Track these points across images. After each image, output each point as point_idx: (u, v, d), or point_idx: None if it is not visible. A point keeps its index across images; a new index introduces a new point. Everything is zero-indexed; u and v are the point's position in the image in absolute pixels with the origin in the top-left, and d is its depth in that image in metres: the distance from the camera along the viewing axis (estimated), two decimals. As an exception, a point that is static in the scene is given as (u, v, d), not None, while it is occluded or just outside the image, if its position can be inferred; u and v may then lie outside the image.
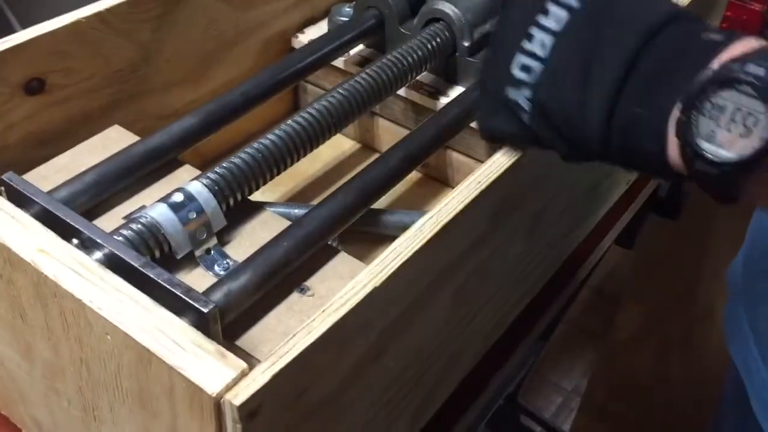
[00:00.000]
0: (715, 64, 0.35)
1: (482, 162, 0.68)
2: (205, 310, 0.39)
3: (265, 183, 0.53)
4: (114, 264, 0.43)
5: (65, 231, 0.44)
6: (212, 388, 0.32)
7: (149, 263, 0.42)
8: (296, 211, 0.65)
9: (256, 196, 0.54)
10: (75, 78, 0.56)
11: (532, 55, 0.41)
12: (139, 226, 0.46)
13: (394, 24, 0.70)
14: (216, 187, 0.49)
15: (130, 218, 0.47)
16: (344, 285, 0.45)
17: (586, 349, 1.37)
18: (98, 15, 0.55)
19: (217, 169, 0.50)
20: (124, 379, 0.36)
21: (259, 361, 0.34)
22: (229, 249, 0.49)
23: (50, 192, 0.49)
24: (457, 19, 0.66)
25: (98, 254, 0.43)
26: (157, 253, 0.46)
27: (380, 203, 0.59)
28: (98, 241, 0.43)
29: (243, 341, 0.43)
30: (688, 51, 0.37)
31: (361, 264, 0.49)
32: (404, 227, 0.65)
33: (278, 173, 0.54)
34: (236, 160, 0.51)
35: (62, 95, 0.55)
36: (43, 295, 0.37)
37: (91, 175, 0.50)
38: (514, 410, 1.20)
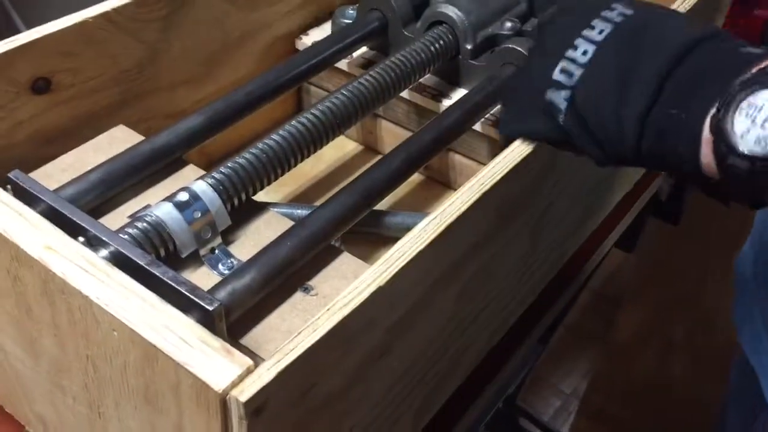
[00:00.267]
0: (755, 69, 0.37)
1: (484, 164, 0.69)
2: (211, 308, 0.39)
3: (269, 183, 0.53)
4: (120, 262, 0.43)
5: (71, 229, 0.45)
6: (219, 384, 0.32)
7: (155, 261, 0.43)
8: (299, 211, 0.66)
9: (260, 197, 0.55)
10: (81, 77, 0.56)
11: (574, 61, 0.43)
12: (145, 224, 0.46)
13: (398, 27, 0.70)
14: (221, 187, 0.49)
15: (135, 217, 0.47)
16: (348, 284, 0.45)
17: (586, 352, 1.37)
18: (105, 15, 0.56)
19: (222, 169, 0.51)
20: (131, 375, 0.36)
21: (263, 360, 0.34)
22: (233, 248, 0.50)
23: (56, 190, 0.49)
24: (460, 22, 0.67)
25: (104, 252, 0.44)
26: (162, 252, 0.46)
27: (383, 205, 0.59)
28: (104, 239, 0.44)
29: (247, 339, 0.43)
30: (727, 61, 0.39)
31: (364, 264, 0.49)
32: (407, 229, 0.65)
33: (282, 174, 0.54)
34: (241, 161, 0.51)
35: (68, 94, 0.56)
36: (50, 291, 0.37)
37: (97, 174, 0.51)
38: (512, 413, 1.20)
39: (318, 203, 0.71)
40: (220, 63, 0.68)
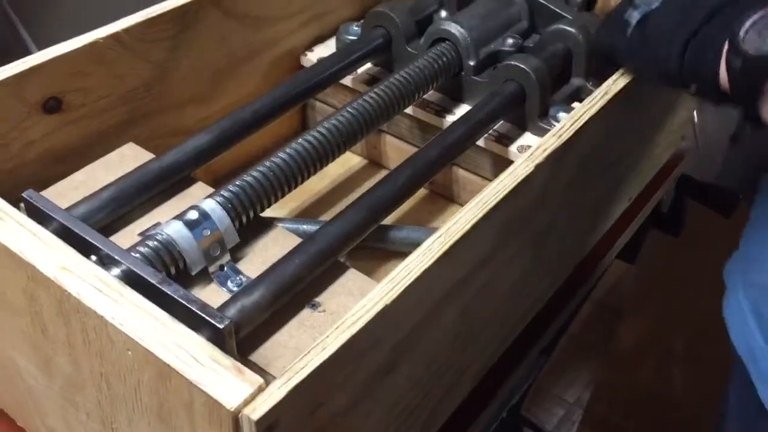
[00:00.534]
0: None
1: (487, 179, 0.70)
2: (221, 326, 0.40)
3: (276, 201, 0.54)
4: (132, 280, 0.44)
5: (84, 247, 0.46)
6: (231, 402, 0.33)
7: (166, 279, 0.43)
8: (305, 227, 0.66)
9: (266, 212, 0.56)
10: (91, 97, 0.57)
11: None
12: (156, 243, 0.47)
13: (401, 43, 0.71)
14: (229, 205, 0.50)
15: (146, 235, 0.48)
16: (354, 301, 0.46)
17: (588, 361, 1.38)
18: (115, 35, 0.57)
19: (230, 187, 0.52)
20: (144, 393, 0.37)
21: (273, 377, 0.35)
22: (241, 265, 0.51)
23: (69, 209, 0.50)
24: (462, 39, 0.68)
25: (116, 270, 0.45)
26: (173, 270, 0.47)
27: (387, 219, 0.60)
28: (116, 257, 0.45)
29: (256, 356, 0.44)
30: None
31: (370, 280, 0.50)
32: (411, 243, 0.67)
33: (289, 191, 0.55)
34: (248, 179, 0.52)
35: (79, 114, 0.57)
36: (65, 311, 0.38)
37: (108, 192, 0.52)
38: (517, 422, 1.21)
39: (323, 218, 0.72)
40: (227, 80, 0.69)
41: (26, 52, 1.12)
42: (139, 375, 0.36)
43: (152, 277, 0.43)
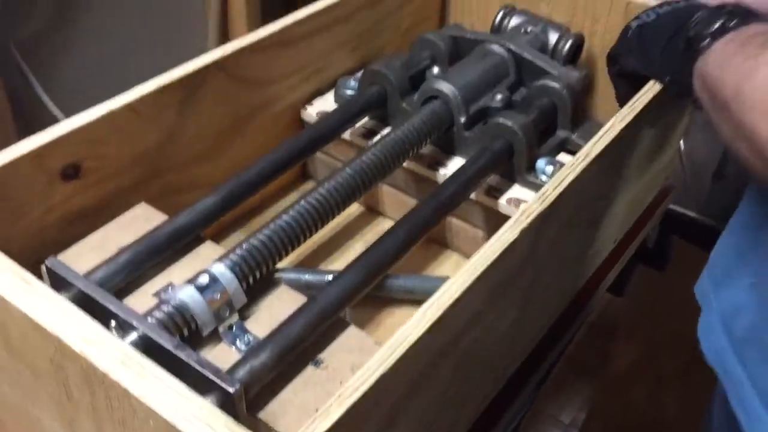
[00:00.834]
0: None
1: (479, 227, 0.74)
2: (232, 390, 0.44)
3: (281, 260, 0.58)
4: (148, 345, 0.48)
5: (103, 313, 0.50)
6: (244, 470, 0.37)
7: (180, 344, 0.47)
8: (307, 276, 0.70)
9: (271, 267, 0.59)
10: (107, 162, 0.61)
11: (653, 10, 0.68)
12: (170, 307, 0.51)
13: (396, 99, 0.75)
14: (237, 268, 0.54)
15: (161, 299, 0.52)
16: (354, 358, 0.50)
17: (583, 383, 1.41)
18: (129, 105, 0.60)
19: (238, 250, 0.55)
20: (164, 458, 0.40)
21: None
22: (249, 323, 0.54)
23: (88, 274, 0.54)
24: (453, 97, 0.72)
25: (134, 335, 0.49)
26: (186, 332, 0.51)
27: (385, 270, 0.64)
28: (134, 323, 0.48)
29: (265, 414, 0.48)
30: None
31: (368, 337, 0.53)
32: (408, 291, 0.71)
33: (293, 250, 0.59)
34: (255, 242, 0.56)
35: (95, 178, 0.61)
36: (90, 381, 0.42)
37: (125, 256, 0.55)
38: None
39: (323, 265, 0.76)
40: (231, 138, 0.73)
41: (37, 100, 1.17)
42: (159, 441, 0.40)
43: (167, 343, 0.47)
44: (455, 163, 0.73)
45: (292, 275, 0.70)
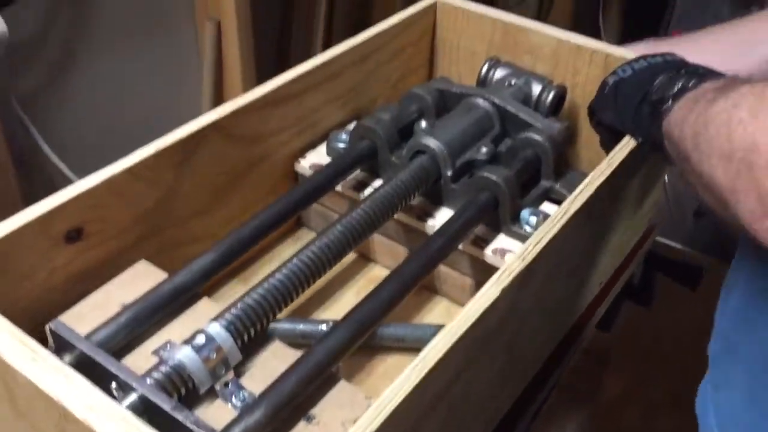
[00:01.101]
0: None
1: (467, 275, 0.76)
2: (228, 450, 0.47)
3: (275, 317, 0.61)
4: (147, 405, 0.51)
5: (104, 374, 0.52)
6: None
7: (178, 406, 0.50)
8: (301, 326, 0.73)
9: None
10: (108, 224, 0.64)
11: (630, 66, 0.71)
12: (168, 368, 0.53)
13: (386, 153, 0.78)
14: (232, 327, 0.57)
15: (159, 360, 0.54)
16: (345, 414, 0.53)
17: (577, 409, 1.43)
18: (129, 170, 0.64)
19: (233, 309, 0.58)
20: None
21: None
22: (245, 380, 0.57)
23: (89, 335, 0.57)
24: (440, 151, 0.75)
25: (134, 396, 0.51)
26: (183, 390, 0.54)
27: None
28: (133, 385, 0.51)
29: (259, 471, 0.50)
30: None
31: (359, 392, 0.56)
32: (397, 338, 0.73)
33: (286, 306, 0.62)
34: (249, 301, 0.59)
35: (97, 240, 0.63)
36: (93, 445, 0.44)
37: (125, 317, 0.58)
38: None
39: (316, 313, 0.78)
40: (229, 192, 0.75)
41: (38, 150, 1.20)
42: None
43: (165, 404, 0.50)
44: (443, 214, 0.76)
45: (287, 325, 0.73)
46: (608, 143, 0.75)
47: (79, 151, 1.27)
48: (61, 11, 1.21)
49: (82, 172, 1.24)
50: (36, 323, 0.61)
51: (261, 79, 0.77)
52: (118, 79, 1.32)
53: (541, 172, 0.79)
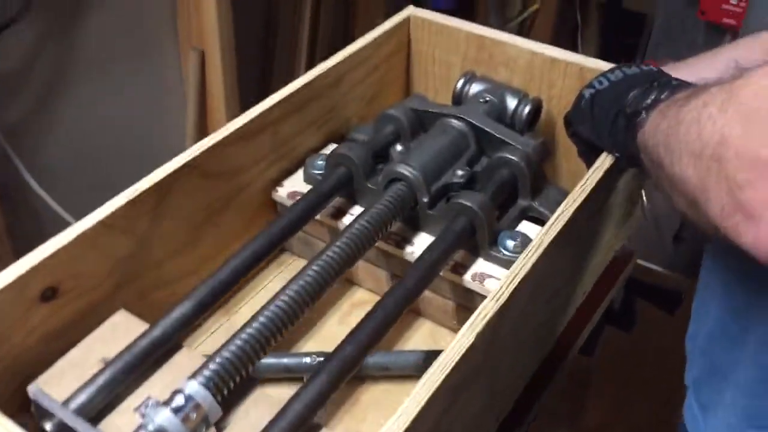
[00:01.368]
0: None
1: (448, 299, 0.77)
2: None
3: (254, 366, 0.61)
4: (129, 473, 0.51)
5: (86, 442, 0.53)
6: None
7: (160, 472, 0.50)
8: (285, 360, 0.73)
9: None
10: (83, 279, 0.64)
11: (606, 78, 0.70)
12: (148, 432, 0.53)
13: (361, 180, 0.78)
14: (211, 383, 0.57)
15: (139, 426, 0.54)
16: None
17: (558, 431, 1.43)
18: (101, 222, 0.63)
19: (211, 365, 0.58)
20: None
21: None
22: (226, 434, 0.57)
23: (69, 398, 0.57)
24: (415, 179, 0.74)
25: (115, 464, 0.52)
26: (165, 453, 0.54)
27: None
28: (115, 453, 0.51)
29: None
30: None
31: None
32: (382, 367, 0.73)
33: (266, 354, 0.62)
34: (227, 354, 0.59)
35: (73, 295, 0.63)
36: None
37: (104, 377, 0.58)
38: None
39: (301, 342, 0.78)
40: (205, 230, 0.75)
41: (22, 182, 1.20)
42: None
43: (147, 473, 0.50)
44: (421, 240, 0.76)
45: (271, 360, 0.73)
46: (585, 154, 0.75)
47: (64, 182, 1.27)
48: (45, 42, 1.21)
49: (67, 203, 1.25)
50: (17, 383, 0.61)
51: (245, 106, 0.77)
52: (102, 109, 1.32)
53: (519, 191, 0.78)
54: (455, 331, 0.79)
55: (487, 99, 0.85)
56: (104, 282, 0.66)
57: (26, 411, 0.60)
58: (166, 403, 0.56)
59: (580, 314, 0.85)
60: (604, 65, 0.81)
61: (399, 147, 0.81)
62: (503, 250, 0.73)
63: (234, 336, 0.61)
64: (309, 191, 0.77)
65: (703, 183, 0.43)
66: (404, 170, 0.75)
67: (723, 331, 0.62)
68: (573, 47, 1.91)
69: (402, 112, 0.83)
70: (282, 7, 1.52)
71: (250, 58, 1.50)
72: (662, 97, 0.60)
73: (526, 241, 0.73)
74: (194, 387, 0.56)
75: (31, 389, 0.56)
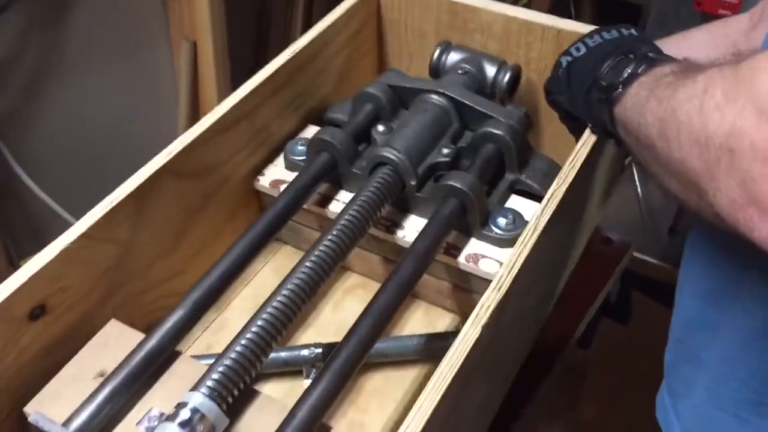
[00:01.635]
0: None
1: (443, 279, 0.76)
2: None
3: (257, 371, 0.60)
4: (142, 495, 0.50)
5: (93, 466, 0.52)
6: None
7: (173, 492, 0.49)
8: (283, 355, 0.73)
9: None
10: (70, 293, 0.62)
11: (585, 44, 0.68)
12: (157, 450, 0.53)
13: (346, 165, 0.76)
14: (215, 394, 0.56)
15: (147, 443, 0.53)
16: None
17: (556, 423, 1.45)
18: (84, 234, 0.61)
19: (213, 374, 0.57)
20: None
21: None
22: (234, 442, 0.57)
23: (70, 419, 0.55)
24: (401, 162, 0.73)
25: (126, 486, 0.51)
26: (175, 469, 0.53)
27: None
28: (124, 476, 0.50)
29: None
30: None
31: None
32: (381, 354, 0.73)
33: (267, 357, 0.61)
34: (229, 362, 0.58)
35: (61, 310, 0.61)
36: None
37: (103, 393, 0.57)
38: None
39: (297, 333, 0.78)
40: (189, 228, 0.73)
41: (11, 173, 1.16)
42: None
43: (161, 494, 0.49)
44: (411, 223, 0.75)
45: (273, 354, 0.72)
46: (566, 120, 0.74)
47: (54, 172, 1.24)
48: (34, 33, 1.16)
49: (58, 194, 1.22)
50: (14, 402, 0.60)
51: (237, 85, 0.74)
52: (93, 100, 1.28)
53: (506, 165, 0.77)
54: (451, 310, 0.79)
55: (466, 70, 0.83)
56: (92, 293, 0.64)
57: (24, 430, 0.59)
58: (171, 417, 0.54)
59: (577, 307, 0.85)
60: (583, 28, 0.80)
61: (380, 127, 0.78)
62: (495, 229, 0.72)
63: (234, 341, 0.59)
64: (293, 181, 0.75)
65: (711, 172, 0.43)
66: (389, 154, 0.73)
67: (697, 315, 0.62)
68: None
69: (380, 90, 0.81)
70: (275, -4, 1.49)
71: (243, 49, 1.47)
72: (639, 71, 0.58)
73: (518, 217, 0.72)
74: (199, 399, 0.55)
75: (31, 414, 0.55)
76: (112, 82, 1.31)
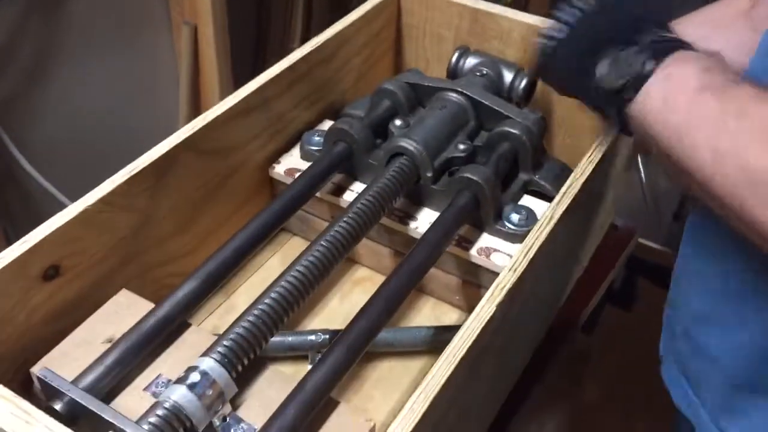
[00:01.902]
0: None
1: (452, 274, 0.76)
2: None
3: (267, 343, 0.60)
4: (147, 453, 0.50)
5: (99, 423, 0.51)
6: None
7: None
8: (290, 339, 0.72)
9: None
10: (85, 257, 0.62)
11: (564, 26, 0.61)
12: (164, 410, 0.52)
13: (362, 155, 0.77)
14: (226, 360, 0.56)
15: (155, 403, 0.53)
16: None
17: (559, 407, 1.44)
18: (102, 199, 0.61)
19: (224, 341, 0.57)
20: None
21: None
22: (242, 411, 0.56)
23: (78, 378, 0.55)
24: (418, 153, 0.74)
25: (132, 444, 0.50)
26: (181, 431, 0.53)
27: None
28: (130, 432, 0.50)
29: None
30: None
31: (360, 416, 0.56)
32: (387, 344, 0.73)
33: (278, 330, 0.61)
34: (241, 330, 0.58)
35: (75, 274, 0.61)
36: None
37: (112, 357, 0.57)
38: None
39: (306, 320, 0.77)
40: (204, 208, 0.74)
41: (11, 159, 1.16)
42: None
43: (166, 452, 0.49)
44: (425, 215, 0.76)
45: (276, 339, 0.72)
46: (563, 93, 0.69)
47: (54, 159, 1.24)
48: (33, 19, 1.17)
49: (58, 180, 1.21)
50: (20, 364, 0.59)
51: (238, 82, 0.75)
52: (92, 85, 1.28)
53: (520, 165, 0.78)
54: (458, 306, 0.79)
55: (484, 72, 0.84)
56: (106, 259, 0.64)
57: (27, 392, 0.58)
58: (180, 380, 0.54)
59: (583, 293, 0.85)
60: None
61: (398, 122, 0.79)
62: (508, 224, 0.73)
63: (245, 313, 0.59)
64: (308, 168, 0.76)
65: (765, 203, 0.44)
66: (407, 144, 0.74)
67: (712, 312, 0.61)
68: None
69: (398, 86, 0.82)
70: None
71: (244, 33, 1.46)
72: (645, 71, 0.53)
73: (531, 214, 0.72)
74: (209, 363, 0.55)
75: (39, 369, 0.54)
76: (113, 67, 1.31)
